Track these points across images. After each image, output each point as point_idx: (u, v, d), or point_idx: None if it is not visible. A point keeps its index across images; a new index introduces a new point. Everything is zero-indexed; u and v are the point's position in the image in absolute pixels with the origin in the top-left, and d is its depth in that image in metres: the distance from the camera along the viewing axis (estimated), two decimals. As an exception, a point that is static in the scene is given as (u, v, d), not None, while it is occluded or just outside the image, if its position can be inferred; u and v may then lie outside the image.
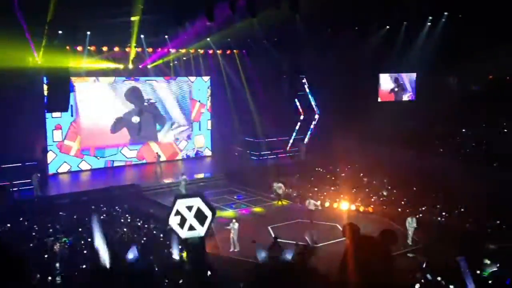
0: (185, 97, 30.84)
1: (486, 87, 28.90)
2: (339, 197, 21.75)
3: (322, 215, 20.17)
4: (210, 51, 29.42)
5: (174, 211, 3.66)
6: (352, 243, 2.55)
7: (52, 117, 26.08)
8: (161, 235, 17.08)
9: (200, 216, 3.75)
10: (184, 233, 3.61)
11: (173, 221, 3.64)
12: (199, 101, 31.36)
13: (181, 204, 3.67)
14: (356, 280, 2.38)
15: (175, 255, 13.11)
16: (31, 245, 15.10)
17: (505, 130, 27.06)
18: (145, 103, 29.30)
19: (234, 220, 17.16)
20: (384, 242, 2.51)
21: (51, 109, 24.24)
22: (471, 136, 28.35)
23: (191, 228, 3.65)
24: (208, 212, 3.78)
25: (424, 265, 12.72)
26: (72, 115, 26.67)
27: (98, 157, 27.80)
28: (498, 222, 17.37)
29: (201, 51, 29.15)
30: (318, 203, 19.85)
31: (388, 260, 2.48)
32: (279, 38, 28.48)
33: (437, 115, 28.07)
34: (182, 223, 3.66)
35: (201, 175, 27.59)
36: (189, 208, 3.72)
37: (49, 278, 11.83)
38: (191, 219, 3.68)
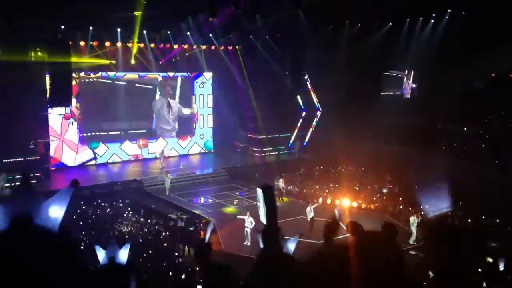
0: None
1: (489, 85, 28.81)
2: (341, 194, 21.74)
3: (324, 212, 20.17)
4: (213, 47, 29.36)
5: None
6: (356, 240, 2.52)
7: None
8: (163, 231, 17.16)
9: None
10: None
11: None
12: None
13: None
14: (364, 277, 2.36)
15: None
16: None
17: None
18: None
19: (248, 214, 17.17)
20: (387, 236, 2.51)
21: (53, 104, 24.24)
22: (473, 134, 28.30)
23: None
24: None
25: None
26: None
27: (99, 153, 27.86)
28: (498, 220, 17.36)
29: (204, 47, 29.11)
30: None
31: (396, 254, 2.46)
32: (282, 34, 28.43)
33: (439, 112, 28.00)
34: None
35: (202, 171, 27.59)
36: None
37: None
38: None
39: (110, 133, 28.06)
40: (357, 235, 2.53)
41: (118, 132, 28.31)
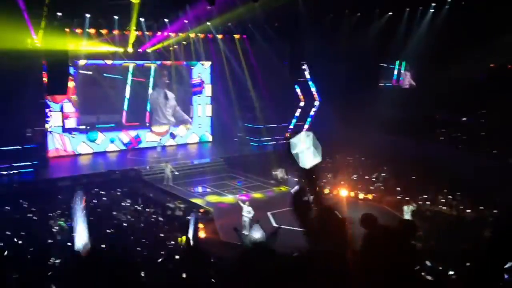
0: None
1: (488, 75, 28.70)
2: (338, 184, 21.74)
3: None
4: (210, 36, 29.12)
5: None
6: (371, 234, 2.46)
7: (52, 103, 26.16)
8: (161, 219, 17.14)
9: None
10: None
11: None
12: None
13: None
14: (376, 271, 2.31)
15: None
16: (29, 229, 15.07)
17: None
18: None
19: (247, 203, 17.21)
20: (404, 233, 2.43)
21: (50, 92, 24.17)
22: (471, 124, 28.27)
23: None
24: None
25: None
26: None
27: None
28: (495, 211, 17.37)
29: (202, 36, 28.86)
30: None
31: (410, 253, 2.40)
32: (281, 23, 28.22)
33: (438, 103, 27.94)
34: None
35: (200, 161, 27.55)
36: None
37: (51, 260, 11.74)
38: None
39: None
40: (371, 228, 2.43)
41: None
